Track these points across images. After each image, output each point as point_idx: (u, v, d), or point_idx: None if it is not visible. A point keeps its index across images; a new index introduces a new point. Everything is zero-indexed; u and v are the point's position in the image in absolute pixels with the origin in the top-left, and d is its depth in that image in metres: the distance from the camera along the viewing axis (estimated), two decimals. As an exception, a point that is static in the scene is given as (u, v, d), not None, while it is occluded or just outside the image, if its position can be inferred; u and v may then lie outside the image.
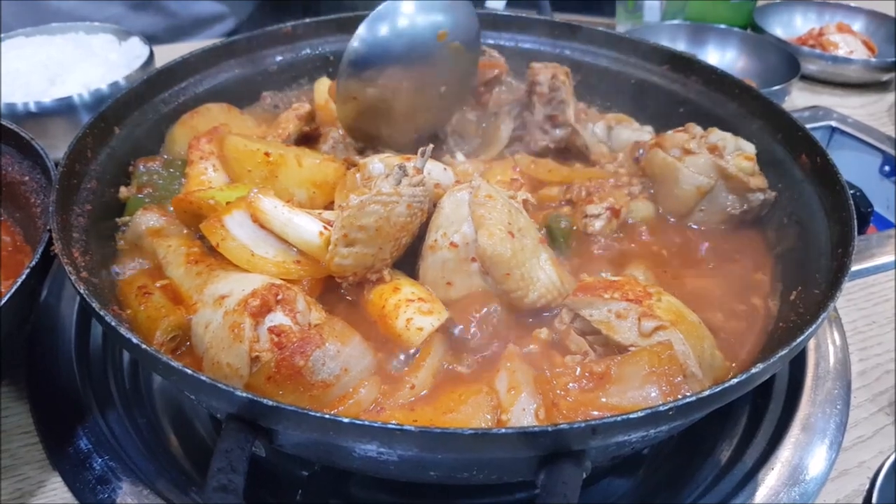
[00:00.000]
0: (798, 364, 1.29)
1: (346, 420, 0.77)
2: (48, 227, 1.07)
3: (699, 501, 1.11)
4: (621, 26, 2.63)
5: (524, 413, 0.95)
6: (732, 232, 1.35)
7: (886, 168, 2.06)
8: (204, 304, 1.05)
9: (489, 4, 2.59)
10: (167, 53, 1.76)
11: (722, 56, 2.49)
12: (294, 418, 0.79)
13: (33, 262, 1.05)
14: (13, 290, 1.01)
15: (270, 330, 0.96)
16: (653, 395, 0.92)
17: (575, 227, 1.29)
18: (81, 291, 0.94)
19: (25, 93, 1.75)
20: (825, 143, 2.12)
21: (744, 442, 1.21)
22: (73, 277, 0.97)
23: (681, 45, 2.46)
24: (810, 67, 2.41)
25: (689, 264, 1.28)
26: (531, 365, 1.03)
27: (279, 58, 1.67)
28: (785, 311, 1.14)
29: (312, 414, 0.78)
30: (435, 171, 1.20)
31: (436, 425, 0.88)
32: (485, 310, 1.08)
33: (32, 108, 1.66)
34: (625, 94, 1.67)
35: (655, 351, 0.96)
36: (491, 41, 1.72)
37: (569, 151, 1.53)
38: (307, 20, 1.70)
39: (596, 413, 0.91)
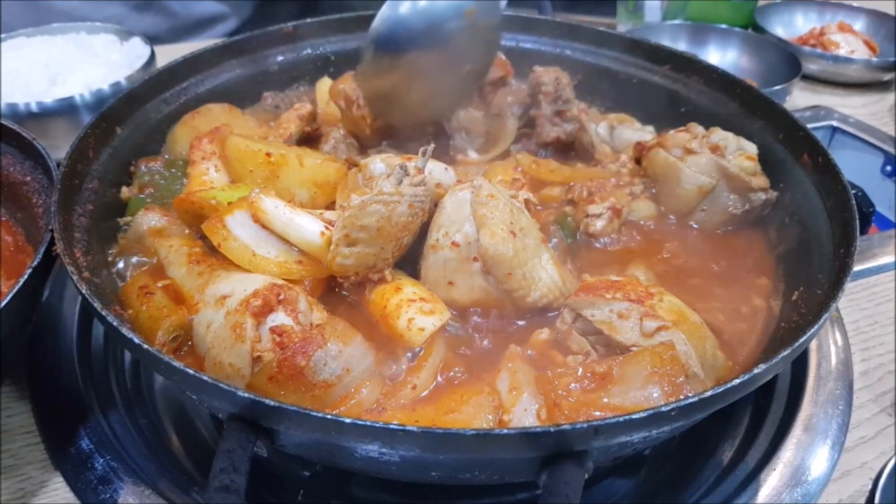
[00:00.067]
0: (800, 364, 1.29)
1: (347, 420, 0.77)
2: (50, 228, 1.07)
3: (701, 502, 1.11)
4: (622, 26, 2.63)
5: (526, 413, 0.95)
6: (734, 232, 1.35)
7: (888, 168, 2.06)
8: (205, 304, 1.05)
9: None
10: (168, 53, 1.76)
11: (723, 56, 2.49)
12: (296, 418, 0.79)
13: (35, 263, 1.05)
14: (15, 290, 1.01)
15: (272, 330, 0.96)
16: (655, 395, 0.92)
17: (579, 231, 1.30)
18: (83, 291, 0.94)
19: (27, 93, 1.75)
20: (826, 142, 2.11)
21: (746, 442, 1.21)
22: (74, 277, 0.97)
23: (682, 45, 2.46)
24: (811, 67, 2.41)
25: (691, 264, 1.28)
26: (533, 365, 1.03)
27: (280, 58, 1.68)
28: (787, 312, 1.14)
29: (314, 414, 0.78)
30: (436, 170, 1.19)
31: (437, 426, 0.88)
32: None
33: (34, 108, 1.66)
34: (626, 94, 1.67)
35: (657, 351, 0.96)
36: (492, 41, 1.72)
37: (572, 150, 1.53)
38: (308, 20, 1.70)
39: (598, 413, 0.91)
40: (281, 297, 0.99)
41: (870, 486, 1.03)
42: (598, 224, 1.28)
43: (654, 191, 1.39)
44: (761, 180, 1.32)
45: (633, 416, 0.79)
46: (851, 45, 2.55)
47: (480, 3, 1.37)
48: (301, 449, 0.94)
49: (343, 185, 1.25)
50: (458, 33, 1.36)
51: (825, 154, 1.25)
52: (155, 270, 1.18)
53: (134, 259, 1.22)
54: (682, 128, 1.40)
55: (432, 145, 1.09)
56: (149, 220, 1.23)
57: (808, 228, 1.23)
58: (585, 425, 0.78)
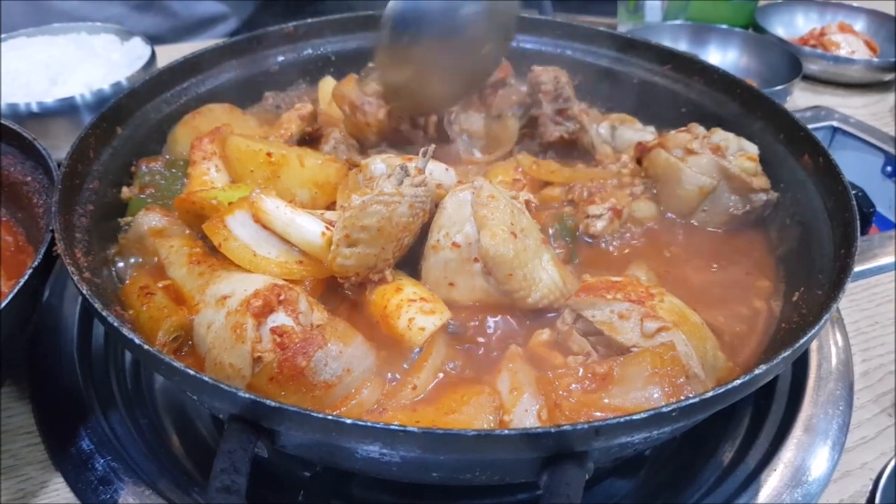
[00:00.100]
0: (800, 365, 1.29)
1: (348, 421, 0.77)
2: (50, 228, 1.07)
3: (701, 502, 1.11)
4: (623, 26, 2.63)
5: (527, 414, 0.95)
6: (735, 232, 1.35)
7: (888, 168, 2.06)
8: (206, 305, 1.05)
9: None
10: (169, 53, 1.76)
11: (723, 56, 2.49)
12: (297, 419, 0.79)
13: (36, 263, 1.05)
14: (15, 290, 1.01)
15: (273, 330, 0.96)
16: (655, 396, 0.92)
17: (579, 232, 1.30)
18: (84, 292, 0.94)
19: (27, 93, 1.75)
20: (827, 143, 2.11)
21: (746, 443, 1.21)
22: (75, 278, 0.97)
23: (682, 46, 2.46)
24: (812, 67, 2.41)
25: (692, 265, 1.28)
26: (533, 366, 1.03)
27: (281, 58, 1.68)
28: (787, 312, 1.14)
29: (315, 415, 0.78)
30: (437, 171, 1.19)
31: (438, 426, 0.88)
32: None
33: (34, 108, 1.66)
34: (627, 95, 1.67)
35: (658, 352, 0.96)
36: (493, 41, 1.72)
37: (572, 150, 1.53)
38: (309, 20, 1.70)
39: (598, 414, 0.91)
40: (281, 298, 0.99)
41: (870, 487, 1.03)
42: (599, 225, 1.28)
43: (654, 191, 1.39)
44: (762, 181, 1.32)
45: (634, 417, 0.79)
46: (852, 45, 2.55)
47: None
48: (302, 449, 0.94)
49: (344, 185, 1.25)
50: (475, 16, 1.34)
51: (826, 154, 1.25)
52: (155, 271, 1.18)
53: (134, 259, 1.22)
54: (683, 128, 1.40)
55: (433, 146, 1.09)
56: (149, 220, 1.23)
57: (809, 229, 1.23)
58: (586, 426, 0.78)
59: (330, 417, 0.78)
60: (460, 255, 1.08)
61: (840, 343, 1.34)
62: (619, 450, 0.95)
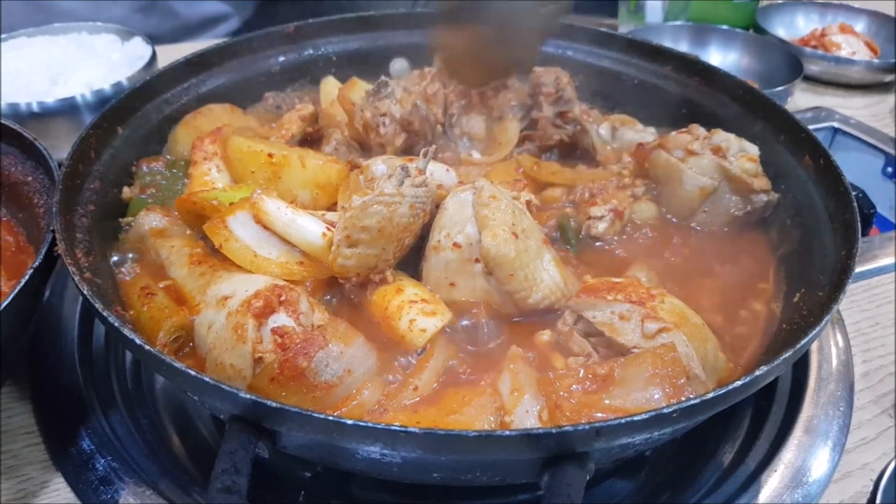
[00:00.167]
0: (801, 366, 1.29)
1: (349, 422, 0.77)
2: (51, 228, 1.07)
3: (702, 503, 1.11)
4: (624, 27, 2.63)
5: (527, 415, 0.95)
6: (735, 233, 1.35)
7: (889, 169, 2.06)
8: (207, 305, 1.05)
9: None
10: (170, 53, 1.76)
11: (724, 57, 2.49)
12: (298, 420, 0.79)
13: (36, 263, 1.05)
14: (16, 290, 1.01)
15: (273, 331, 0.96)
16: (656, 397, 0.92)
17: (581, 233, 1.30)
18: (85, 292, 0.94)
19: (28, 93, 1.75)
20: (828, 144, 2.11)
21: (746, 444, 1.21)
22: (76, 278, 0.97)
23: (683, 46, 2.46)
24: (813, 68, 2.41)
25: (692, 266, 1.28)
26: (534, 367, 1.03)
27: (282, 58, 1.68)
28: (788, 313, 1.14)
29: (316, 415, 0.78)
30: (437, 171, 1.20)
31: (439, 427, 0.88)
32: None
33: (35, 108, 1.66)
34: (627, 96, 1.67)
35: (658, 353, 0.96)
36: (493, 42, 1.72)
37: (574, 151, 1.53)
38: (310, 21, 1.70)
39: (599, 415, 0.91)
40: (282, 298, 0.99)
41: (871, 488, 1.03)
42: (601, 226, 1.28)
43: (655, 192, 1.39)
44: (763, 182, 1.32)
45: (635, 418, 0.79)
46: (853, 46, 2.55)
47: None
48: (302, 450, 0.94)
49: (345, 186, 1.25)
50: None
51: (827, 155, 1.25)
52: (156, 271, 1.18)
53: (135, 259, 1.22)
54: (683, 129, 1.40)
55: (434, 147, 1.09)
56: (150, 220, 1.23)
57: (810, 230, 1.23)
58: (587, 427, 0.78)
59: (331, 418, 0.78)
60: (461, 255, 1.08)
61: (841, 344, 1.34)
62: (620, 450, 0.95)
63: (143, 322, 1.05)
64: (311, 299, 1.04)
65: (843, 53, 2.51)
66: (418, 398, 0.98)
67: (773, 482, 1.11)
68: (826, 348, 1.32)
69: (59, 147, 1.41)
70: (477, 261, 1.07)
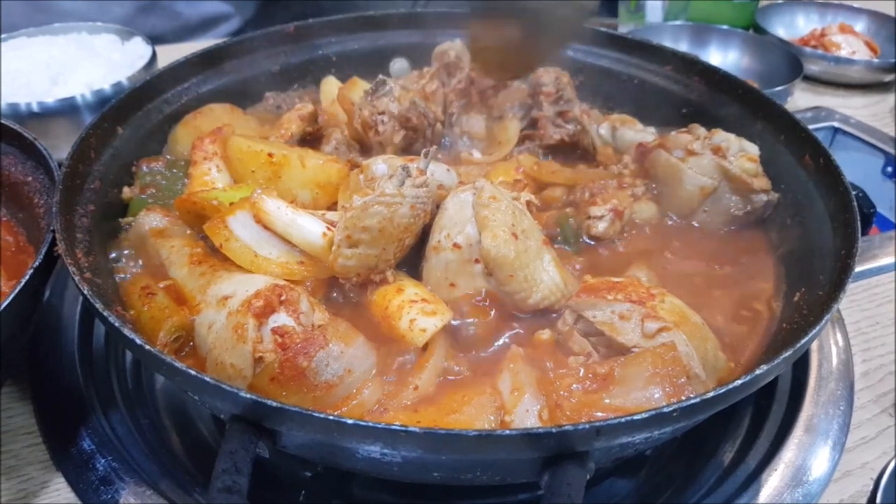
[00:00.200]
0: (801, 365, 1.29)
1: (349, 421, 0.77)
2: (51, 228, 1.06)
3: (702, 502, 1.11)
4: (623, 27, 2.63)
5: (528, 414, 0.95)
6: (736, 233, 1.35)
7: (889, 169, 2.06)
8: (207, 305, 1.05)
9: (491, 5, 2.59)
10: (170, 53, 1.76)
11: (724, 57, 2.49)
12: (298, 419, 0.79)
13: (37, 263, 1.05)
14: (16, 290, 1.01)
15: (274, 331, 0.96)
16: (656, 396, 0.92)
17: (581, 233, 1.30)
18: (85, 292, 0.94)
19: (28, 93, 1.75)
20: (828, 144, 2.11)
21: (747, 443, 1.21)
22: (76, 278, 0.97)
23: (683, 46, 2.46)
24: (812, 68, 2.41)
25: (693, 265, 1.28)
26: (534, 366, 1.03)
27: (282, 58, 1.68)
28: (788, 313, 1.14)
29: (316, 415, 0.78)
30: (438, 172, 1.19)
31: (439, 426, 0.88)
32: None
33: (35, 108, 1.66)
34: (627, 95, 1.67)
35: (659, 352, 0.96)
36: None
37: (574, 151, 1.53)
38: (310, 21, 1.70)
39: (599, 414, 0.91)
40: (283, 298, 0.99)
41: (871, 487, 1.03)
42: (601, 226, 1.28)
43: (655, 192, 1.39)
44: (763, 181, 1.32)
45: (635, 417, 0.79)
46: (852, 46, 2.55)
47: None
48: (303, 450, 0.94)
49: (345, 186, 1.25)
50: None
51: (827, 155, 1.25)
52: (156, 271, 1.18)
53: (135, 259, 1.22)
54: (683, 129, 1.40)
55: (434, 147, 1.09)
56: (150, 220, 1.23)
57: (810, 229, 1.23)
58: (587, 426, 0.78)
59: (331, 418, 0.78)
60: (461, 255, 1.08)
61: (840, 343, 1.34)
62: (620, 450, 0.95)
63: (144, 322, 1.05)
64: (312, 299, 1.04)
65: (843, 53, 2.52)
66: (418, 398, 0.98)
67: (773, 481, 1.11)
68: (826, 347, 1.32)
69: (59, 147, 1.41)
70: (477, 261, 1.07)
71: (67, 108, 1.69)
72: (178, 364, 0.85)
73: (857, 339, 1.40)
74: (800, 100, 2.35)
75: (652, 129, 1.57)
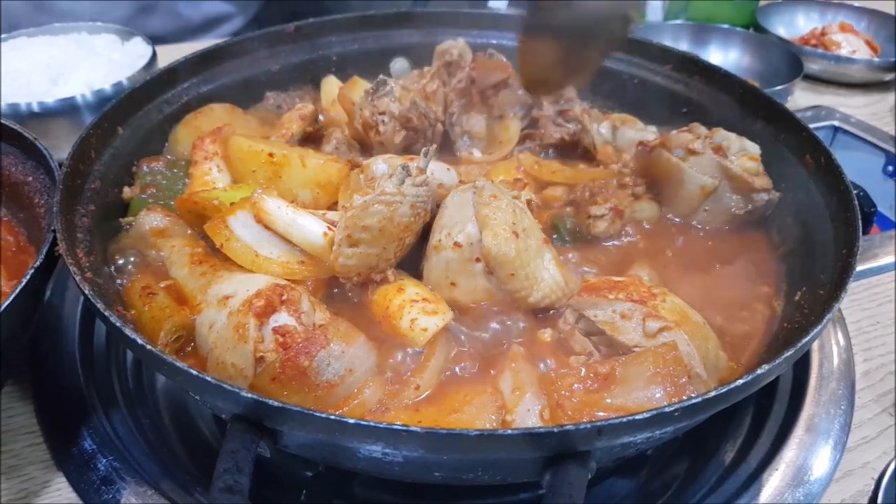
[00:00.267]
0: (802, 364, 1.29)
1: (351, 421, 0.77)
2: (52, 228, 1.06)
3: (703, 502, 1.11)
4: (624, 26, 2.62)
5: (529, 414, 0.95)
6: (736, 232, 1.35)
7: (889, 168, 2.06)
8: (208, 305, 1.05)
9: (491, 4, 2.59)
10: (170, 53, 1.76)
11: (725, 56, 2.49)
12: (299, 419, 0.79)
13: (37, 263, 1.05)
14: (17, 290, 1.01)
15: (275, 330, 0.96)
16: (657, 396, 0.92)
17: (579, 229, 1.30)
18: (86, 292, 0.94)
19: (28, 93, 1.75)
20: (828, 143, 2.10)
21: (748, 443, 1.21)
22: (77, 278, 0.97)
23: (683, 45, 2.46)
24: (813, 67, 2.41)
25: (694, 265, 1.28)
26: (535, 365, 1.03)
27: (283, 58, 1.67)
28: (789, 312, 1.14)
29: (318, 415, 0.78)
30: (438, 171, 1.19)
31: (440, 426, 0.88)
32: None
33: (35, 108, 1.66)
34: (628, 95, 1.67)
35: (660, 352, 0.96)
36: (494, 41, 1.72)
37: (574, 150, 1.53)
38: (311, 20, 1.70)
39: (601, 414, 0.91)
40: (284, 298, 0.99)
41: (872, 487, 1.03)
42: (601, 225, 1.28)
43: (656, 191, 1.39)
44: (764, 181, 1.32)
45: (637, 417, 0.79)
46: (853, 45, 2.55)
47: None
48: (304, 449, 0.94)
49: (345, 185, 1.25)
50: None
51: (828, 154, 1.25)
52: (157, 271, 1.18)
53: (136, 259, 1.21)
54: (684, 128, 1.40)
55: (434, 146, 1.09)
56: (151, 220, 1.23)
57: (811, 229, 1.23)
58: (589, 426, 0.78)
59: (333, 417, 0.78)
60: (462, 255, 1.08)
61: (841, 342, 1.34)
62: (622, 449, 0.95)
63: (145, 322, 1.05)
64: (313, 299, 1.04)
65: (844, 52, 2.52)
66: (420, 397, 0.98)
67: (774, 481, 1.11)
68: (827, 347, 1.32)
69: (60, 147, 1.41)
70: (478, 260, 1.07)
71: (68, 108, 1.69)
72: (179, 364, 0.85)
73: (857, 339, 1.40)
74: (800, 99, 2.35)
75: (652, 129, 1.57)
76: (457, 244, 1.07)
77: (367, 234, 1.03)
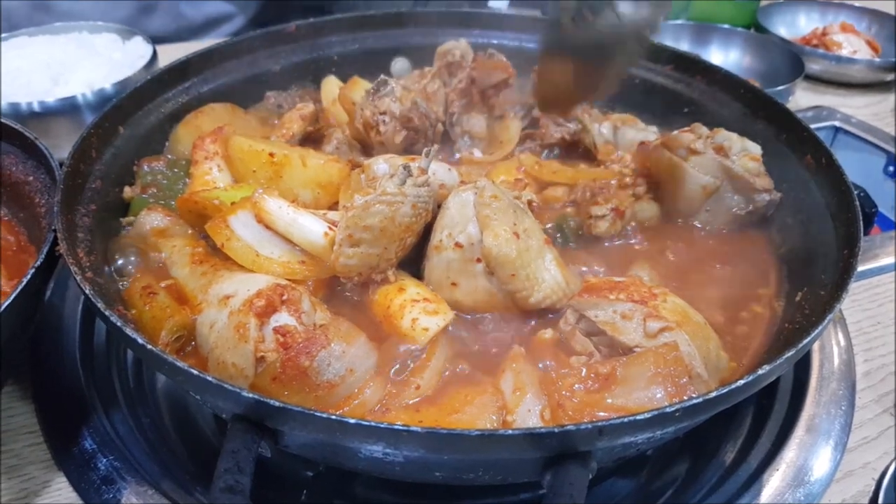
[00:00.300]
0: (803, 365, 1.29)
1: (352, 421, 0.77)
2: (53, 228, 1.06)
3: (704, 502, 1.11)
4: (624, 26, 2.62)
5: (529, 414, 0.95)
6: (738, 232, 1.34)
7: (890, 168, 2.06)
8: (209, 305, 1.05)
9: (492, 4, 2.59)
10: (171, 53, 1.76)
11: (726, 56, 2.49)
12: (300, 419, 0.79)
13: (38, 263, 1.05)
14: (18, 290, 1.01)
15: (276, 330, 0.96)
16: (658, 396, 0.92)
17: (582, 232, 1.30)
18: (87, 291, 0.94)
19: (28, 92, 1.75)
20: (829, 143, 2.11)
21: (748, 443, 1.21)
22: (78, 278, 0.97)
23: (684, 45, 2.46)
24: (814, 67, 2.41)
25: (694, 265, 1.28)
26: (536, 366, 1.03)
27: (283, 58, 1.67)
28: (790, 312, 1.14)
29: (318, 415, 0.78)
30: (439, 171, 1.19)
31: (441, 426, 0.88)
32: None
33: (36, 107, 1.66)
34: (629, 95, 1.67)
35: (661, 352, 0.96)
36: (495, 41, 1.72)
37: (575, 150, 1.53)
38: (312, 20, 1.70)
39: (602, 414, 0.91)
40: (284, 298, 0.99)
41: (873, 487, 1.03)
42: (602, 225, 1.28)
43: (657, 191, 1.38)
44: (765, 181, 1.31)
45: (637, 417, 0.79)
46: (854, 45, 2.55)
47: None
48: (305, 449, 0.94)
49: (346, 185, 1.25)
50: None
51: (829, 154, 1.25)
52: (158, 270, 1.17)
53: (136, 259, 1.21)
54: (686, 128, 1.39)
55: (436, 146, 1.09)
56: (151, 219, 1.23)
57: (812, 229, 1.23)
58: (590, 426, 0.78)
59: (333, 417, 0.78)
60: (463, 255, 1.08)
61: (842, 343, 1.34)
62: (623, 450, 0.95)
63: (145, 321, 1.05)
64: (313, 298, 1.04)
65: (845, 52, 2.51)
66: (420, 397, 0.98)
67: (774, 481, 1.11)
68: (828, 347, 1.32)
69: (60, 146, 1.41)
70: (478, 260, 1.07)
71: (68, 108, 1.69)
72: (179, 363, 0.85)
73: (858, 339, 1.40)
74: (801, 99, 2.35)
75: (654, 129, 1.57)
76: (458, 244, 1.07)
77: (369, 234, 1.03)
